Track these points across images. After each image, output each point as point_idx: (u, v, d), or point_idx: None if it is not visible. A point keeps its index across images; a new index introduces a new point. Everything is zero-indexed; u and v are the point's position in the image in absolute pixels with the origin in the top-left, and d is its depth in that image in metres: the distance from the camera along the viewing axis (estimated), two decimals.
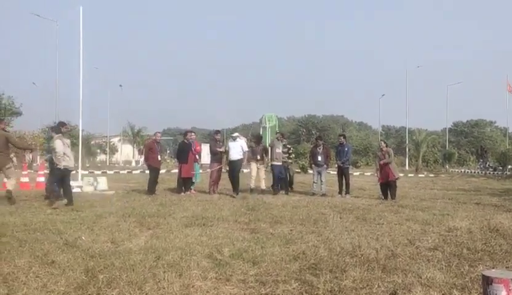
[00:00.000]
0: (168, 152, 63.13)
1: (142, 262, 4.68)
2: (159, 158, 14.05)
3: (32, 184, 15.61)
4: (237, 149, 13.90)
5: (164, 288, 3.86)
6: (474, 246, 5.82)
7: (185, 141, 14.35)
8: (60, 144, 10.08)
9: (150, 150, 14.13)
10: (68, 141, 10.44)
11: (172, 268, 4.49)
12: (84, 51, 16.65)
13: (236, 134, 14.75)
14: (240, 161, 13.97)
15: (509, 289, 2.67)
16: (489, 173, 36.39)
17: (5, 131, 11.33)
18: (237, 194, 13.22)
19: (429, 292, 3.85)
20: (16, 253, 4.96)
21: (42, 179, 16.07)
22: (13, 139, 11.26)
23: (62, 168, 10.13)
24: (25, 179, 15.23)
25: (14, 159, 13.24)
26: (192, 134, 14.74)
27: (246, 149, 14.13)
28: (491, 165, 41.05)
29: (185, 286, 3.94)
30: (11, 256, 4.83)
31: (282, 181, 14.69)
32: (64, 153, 10.08)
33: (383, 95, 66.10)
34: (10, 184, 10.80)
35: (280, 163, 14.50)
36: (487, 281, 2.78)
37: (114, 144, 65.92)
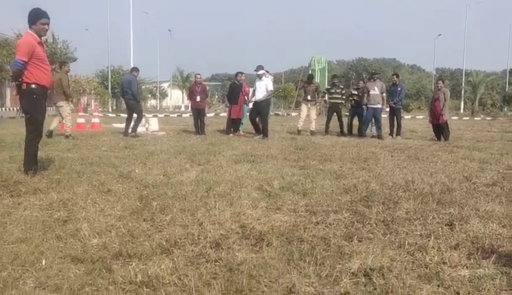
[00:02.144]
0: (216, 97, 63.59)
1: (193, 192, 4.76)
2: (198, 99, 13.99)
3: (88, 125, 16.20)
4: (263, 88, 12.74)
5: (216, 215, 3.91)
6: None
7: (236, 82, 14.30)
8: None
9: (191, 93, 14.36)
10: None
11: (222, 198, 4.54)
12: None
13: (261, 71, 12.99)
14: (266, 101, 12.96)
15: None
16: None
17: (66, 73, 11.91)
18: (267, 137, 12.38)
19: (487, 224, 3.70)
20: (74, 182, 5.17)
21: (96, 120, 16.70)
22: (64, 82, 11.66)
23: None
24: (81, 120, 15.80)
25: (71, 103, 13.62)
26: (243, 75, 14.62)
27: (271, 88, 12.99)
28: None
29: (236, 214, 3.98)
30: (70, 185, 5.04)
31: (377, 124, 13.77)
32: None
33: (439, 35, 62.89)
34: (66, 127, 11.52)
35: (376, 106, 13.59)
36: None
37: (164, 89, 66.95)
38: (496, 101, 51.44)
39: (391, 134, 14.08)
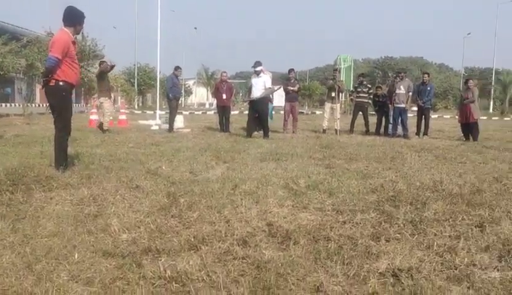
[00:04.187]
0: (241, 95, 63.67)
1: (220, 190, 4.79)
2: (224, 97, 14.08)
3: (115, 122, 16.46)
4: (260, 85, 11.77)
5: (242, 213, 3.94)
6: None
7: None
8: None
9: (216, 90, 14.49)
10: None
11: (249, 196, 4.56)
12: None
13: (259, 67, 11.85)
14: (264, 100, 11.91)
15: None
16: None
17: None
18: (267, 137, 11.50)
19: None
20: (103, 178, 5.27)
21: (123, 116, 16.98)
22: (99, 70, 12.44)
23: None
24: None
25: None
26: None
27: (269, 85, 12.00)
28: None
29: (262, 212, 4.00)
30: (99, 180, 5.13)
31: (402, 123, 13.47)
32: None
33: (468, 34, 61.71)
34: (105, 122, 12.35)
35: (401, 105, 13.33)
36: None
37: (189, 86, 67.38)
38: None
39: (417, 133, 13.87)
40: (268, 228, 3.55)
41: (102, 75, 12.64)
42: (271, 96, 14.21)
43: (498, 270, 2.82)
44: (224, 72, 14.94)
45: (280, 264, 2.80)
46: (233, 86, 15.25)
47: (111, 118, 12.72)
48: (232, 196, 4.56)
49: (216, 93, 14.52)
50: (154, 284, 2.54)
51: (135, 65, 47.73)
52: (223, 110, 14.11)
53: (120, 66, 53.30)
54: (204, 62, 70.89)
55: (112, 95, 13.74)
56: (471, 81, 13.29)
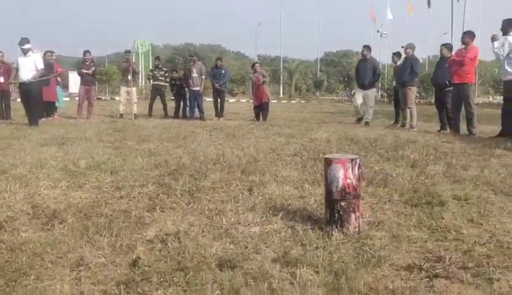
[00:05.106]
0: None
1: None
2: (2, 80, 12.35)
3: None
4: (30, 66, 10.29)
5: (5, 198, 3.52)
6: (330, 151, 6.23)
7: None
8: None
9: None
10: None
11: (17, 180, 4.11)
12: None
13: (27, 45, 10.24)
14: (36, 83, 10.35)
15: (346, 168, 2.85)
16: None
17: None
18: (36, 125, 10.10)
19: (282, 187, 4.03)
20: None
21: None
22: None
23: None
24: None
25: None
26: (53, 54, 13.41)
27: (42, 66, 10.48)
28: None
29: (30, 195, 3.64)
30: None
31: (198, 106, 13.82)
32: None
33: (259, 24, 66.89)
34: None
35: (196, 88, 13.65)
36: (327, 163, 2.94)
37: None
38: (310, 86, 56.95)
39: (216, 115, 14.46)
40: (33, 211, 3.24)
41: None
42: (59, 79, 13.15)
43: (258, 225, 3.07)
44: (0, 51, 13.13)
45: (38, 244, 2.57)
46: (12, 67, 13.50)
47: None
48: None
49: None
50: None
51: None
52: (2, 96, 12.49)
53: None
54: None
55: None
56: (257, 64, 14.38)
